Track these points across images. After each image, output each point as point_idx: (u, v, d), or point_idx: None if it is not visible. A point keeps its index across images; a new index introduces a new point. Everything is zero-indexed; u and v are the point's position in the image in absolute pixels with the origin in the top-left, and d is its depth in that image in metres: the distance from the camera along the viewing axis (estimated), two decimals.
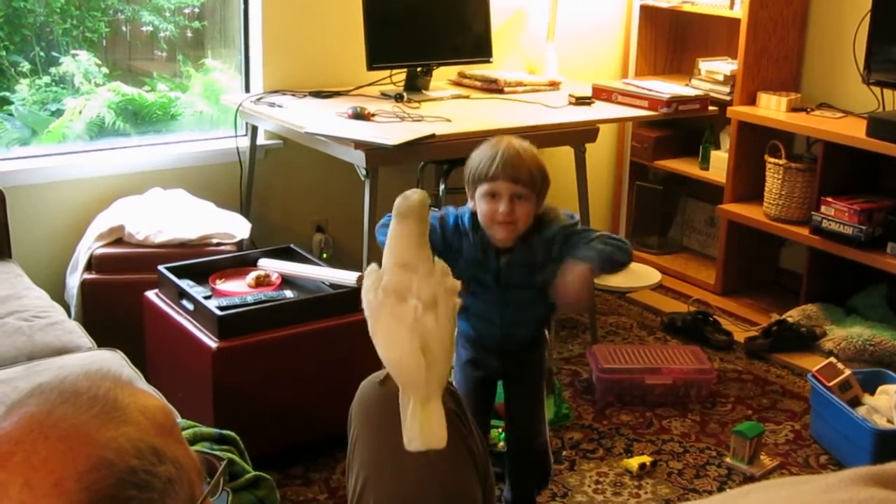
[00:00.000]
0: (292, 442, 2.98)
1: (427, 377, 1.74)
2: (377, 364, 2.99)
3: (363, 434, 1.68)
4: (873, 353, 3.69)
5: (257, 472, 1.98)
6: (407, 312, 1.84)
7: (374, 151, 3.20)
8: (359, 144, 3.21)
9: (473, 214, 2.44)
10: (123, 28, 4.01)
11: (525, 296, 2.46)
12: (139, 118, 3.97)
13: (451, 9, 4.09)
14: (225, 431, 2.07)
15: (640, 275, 4.66)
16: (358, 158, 3.25)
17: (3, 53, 3.70)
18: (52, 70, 3.79)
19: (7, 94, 3.72)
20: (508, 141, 2.43)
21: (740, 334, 4.03)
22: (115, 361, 2.54)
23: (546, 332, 2.68)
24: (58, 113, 3.82)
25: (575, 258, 2.30)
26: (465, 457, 1.71)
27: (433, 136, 3.30)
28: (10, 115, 3.75)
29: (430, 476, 1.64)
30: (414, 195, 1.90)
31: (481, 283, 2.44)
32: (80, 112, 3.83)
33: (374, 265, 1.90)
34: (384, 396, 1.72)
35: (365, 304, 1.84)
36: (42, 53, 3.77)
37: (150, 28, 4.01)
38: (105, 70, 3.88)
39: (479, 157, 2.41)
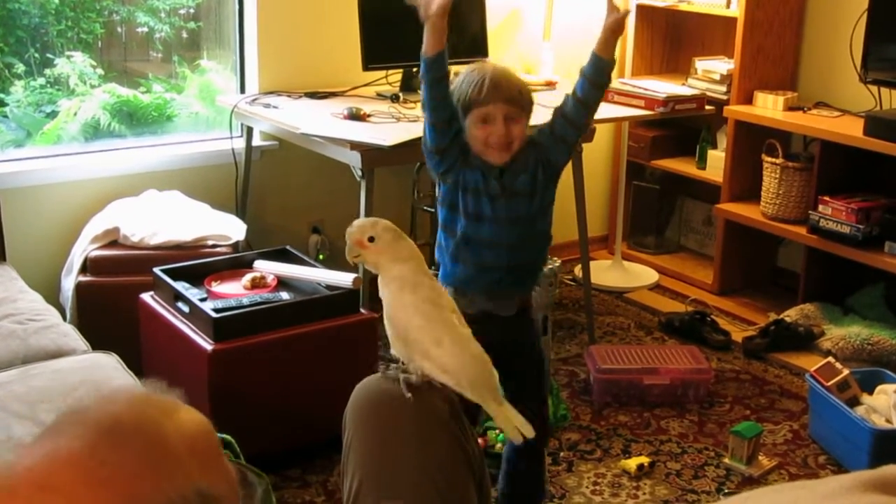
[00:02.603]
0: (289, 444, 2.97)
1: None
2: (372, 366, 3.00)
3: (358, 436, 1.68)
4: (871, 352, 3.69)
5: (255, 469, 1.98)
6: (456, 322, 1.89)
7: (369, 152, 3.20)
8: (355, 145, 3.21)
9: None
10: (118, 29, 4.00)
11: (529, 208, 2.46)
12: (134, 119, 3.96)
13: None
14: (220, 435, 2.05)
15: (637, 275, 4.65)
16: (354, 159, 3.24)
17: None
18: (47, 71, 3.78)
19: (2, 95, 3.72)
20: (491, 64, 2.45)
21: (738, 334, 4.03)
22: (110, 365, 2.53)
23: (533, 293, 2.68)
24: (53, 114, 3.82)
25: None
26: (460, 459, 1.70)
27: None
28: (5, 116, 3.74)
29: (426, 478, 1.63)
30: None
31: (489, 192, 2.43)
32: (75, 113, 3.82)
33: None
34: (380, 399, 1.71)
35: (412, 314, 1.83)
36: (37, 55, 3.76)
37: (146, 29, 4.01)
38: (100, 71, 3.87)
39: (465, 84, 2.41)
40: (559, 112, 2.50)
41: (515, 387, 2.30)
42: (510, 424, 1.88)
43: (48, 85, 3.80)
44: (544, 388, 2.68)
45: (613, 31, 2.50)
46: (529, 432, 1.88)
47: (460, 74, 2.47)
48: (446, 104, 2.42)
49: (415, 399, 1.69)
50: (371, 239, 1.85)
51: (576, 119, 2.48)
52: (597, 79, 2.46)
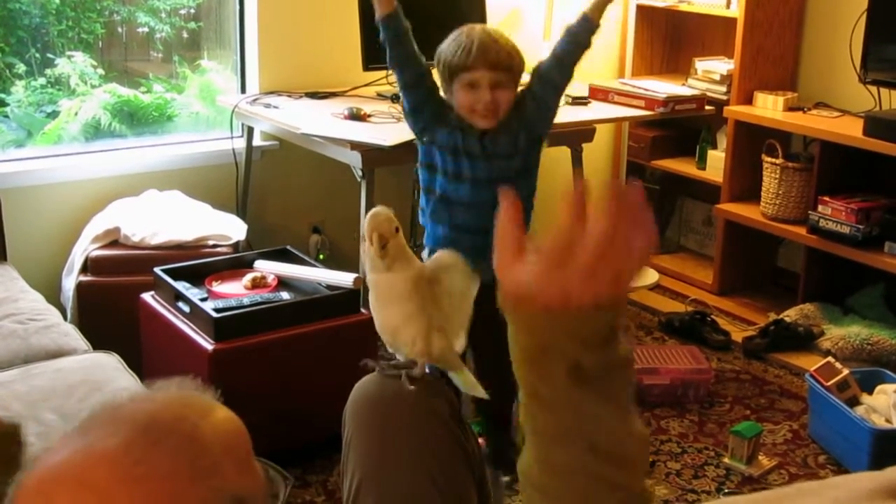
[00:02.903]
0: (289, 444, 2.97)
1: None
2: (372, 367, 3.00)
3: (357, 435, 1.68)
4: (871, 352, 3.69)
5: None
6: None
7: (370, 152, 3.20)
8: (355, 145, 3.21)
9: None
10: (119, 29, 4.01)
11: (513, 165, 2.45)
12: (135, 119, 3.96)
13: (446, 8, 4.07)
14: None
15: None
16: (354, 159, 3.24)
17: None
18: (48, 71, 3.79)
19: (2, 95, 3.72)
20: (480, 27, 2.45)
21: (738, 334, 4.03)
22: (110, 365, 2.54)
23: None
24: (53, 114, 3.82)
25: None
26: (460, 458, 1.70)
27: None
28: (6, 116, 3.74)
29: (426, 477, 1.63)
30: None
31: (467, 152, 2.42)
32: (76, 113, 3.83)
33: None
34: (379, 398, 1.71)
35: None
36: (37, 55, 3.77)
37: (146, 29, 4.01)
38: (101, 71, 3.88)
39: (452, 48, 2.41)
40: (537, 72, 2.49)
41: (490, 357, 2.27)
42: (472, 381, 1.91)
43: (49, 85, 3.81)
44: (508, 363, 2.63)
45: None
46: (482, 394, 1.89)
47: (448, 37, 2.45)
48: (412, 62, 2.43)
49: (415, 398, 1.70)
50: (397, 229, 1.81)
51: (552, 77, 2.47)
52: (579, 36, 2.45)
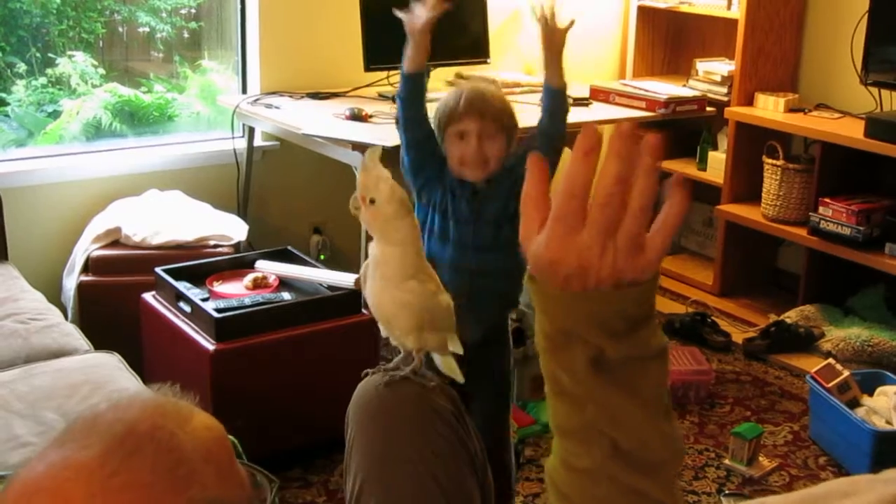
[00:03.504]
0: (290, 444, 2.97)
1: None
2: (374, 365, 3.00)
3: (361, 435, 1.67)
4: (871, 353, 3.69)
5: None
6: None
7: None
8: (356, 146, 3.21)
9: None
10: (120, 29, 4.01)
11: (497, 236, 2.43)
12: (136, 119, 3.96)
13: (448, 12, 4.07)
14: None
15: None
16: (355, 160, 3.24)
17: (0, 55, 3.69)
18: (49, 71, 3.79)
19: (3, 95, 3.72)
20: (473, 83, 2.46)
21: (738, 335, 4.03)
22: (112, 364, 2.54)
23: (509, 334, 2.63)
24: (54, 114, 3.82)
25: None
26: (463, 458, 1.70)
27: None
28: (7, 116, 3.74)
29: (429, 477, 1.63)
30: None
31: (455, 216, 2.41)
32: (77, 113, 3.83)
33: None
34: (383, 398, 1.71)
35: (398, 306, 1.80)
36: (38, 54, 3.77)
37: (147, 29, 4.01)
38: (101, 71, 3.88)
39: (444, 101, 2.41)
40: (528, 147, 2.47)
41: (477, 415, 2.16)
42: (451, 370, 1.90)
43: (50, 84, 3.81)
44: (502, 429, 2.57)
45: (547, 46, 2.43)
46: (460, 378, 1.87)
47: (443, 96, 2.47)
48: (422, 122, 2.43)
49: (417, 398, 1.69)
50: (372, 201, 1.74)
51: (544, 151, 2.41)
52: (552, 110, 2.44)
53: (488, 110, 2.37)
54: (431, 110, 2.48)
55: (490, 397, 2.49)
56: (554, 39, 2.42)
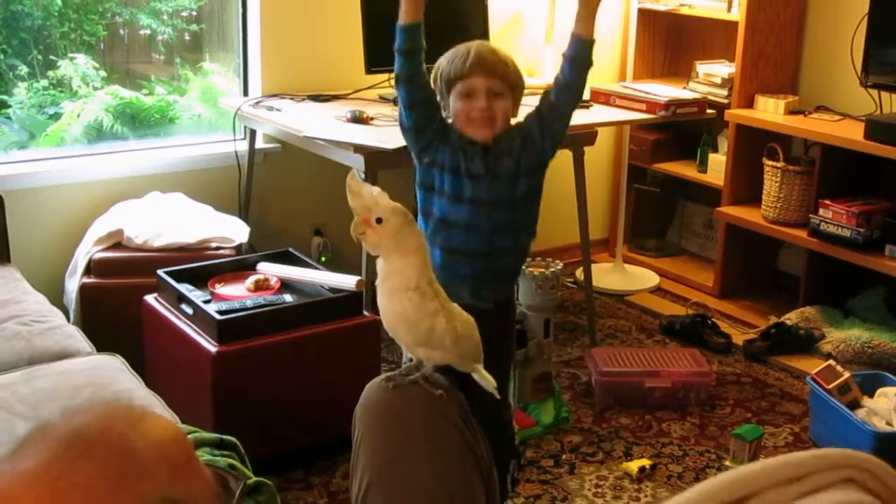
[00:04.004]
0: (292, 446, 2.98)
1: None
2: (375, 367, 3.01)
3: (367, 438, 1.68)
4: (872, 355, 3.70)
5: (258, 478, 1.98)
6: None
7: (373, 155, 3.20)
8: (358, 148, 3.21)
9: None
10: (121, 31, 4.01)
11: (513, 192, 2.42)
12: (137, 121, 3.96)
13: (449, 12, 4.08)
14: (226, 437, 2.06)
15: (638, 278, 4.67)
16: (357, 162, 3.24)
17: (1, 57, 3.70)
18: (50, 73, 3.79)
19: (5, 97, 3.72)
20: (479, 41, 2.42)
21: (739, 337, 4.03)
22: (114, 366, 2.54)
23: (514, 305, 2.65)
24: (56, 116, 3.82)
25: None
26: (470, 461, 1.71)
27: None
28: (8, 118, 3.75)
29: (435, 480, 1.64)
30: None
31: (470, 172, 2.39)
32: (78, 115, 3.83)
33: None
34: (390, 400, 1.72)
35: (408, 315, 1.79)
36: (40, 57, 3.77)
37: (148, 31, 4.01)
38: (103, 73, 3.88)
39: (450, 58, 2.39)
40: (545, 98, 2.46)
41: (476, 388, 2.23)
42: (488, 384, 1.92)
43: (51, 87, 3.81)
44: (504, 387, 2.58)
45: (592, 4, 2.44)
46: (493, 390, 1.89)
47: (446, 54, 2.43)
48: (420, 80, 2.39)
49: (424, 400, 1.70)
50: (379, 220, 1.75)
51: (561, 104, 2.44)
52: (577, 60, 2.41)
53: (496, 67, 2.34)
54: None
55: (491, 368, 2.50)
56: None
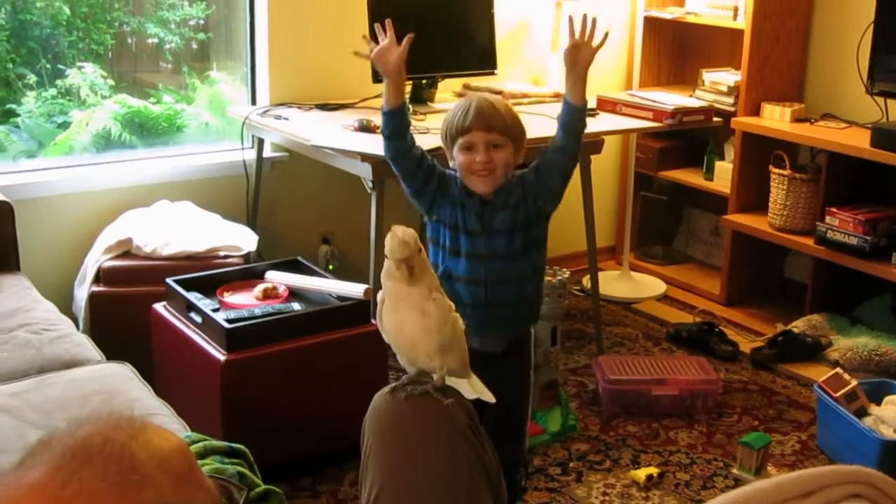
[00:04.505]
0: (300, 454, 2.99)
1: None
2: (383, 375, 3.01)
3: (377, 446, 1.69)
4: (879, 363, 3.70)
5: (267, 486, 1.99)
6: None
7: (380, 164, 3.20)
8: (365, 157, 3.22)
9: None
10: (129, 40, 4.03)
11: (510, 246, 2.46)
12: (145, 130, 3.98)
13: (455, 21, 4.10)
14: (235, 445, 2.07)
15: (645, 285, 4.67)
16: (364, 171, 3.26)
17: (10, 66, 3.71)
18: (59, 82, 3.81)
19: (14, 106, 3.74)
20: (480, 94, 2.49)
21: (746, 345, 4.04)
22: (124, 375, 2.55)
23: (531, 348, 2.66)
24: (64, 125, 3.84)
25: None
26: (477, 469, 1.72)
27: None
28: (17, 127, 3.76)
29: (443, 487, 1.65)
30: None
31: (466, 229, 2.45)
32: (87, 124, 3.84)
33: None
34: (400, 409, 1.73)
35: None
36: (48, 66, 3.79)
37: (156, 40, 4.03)
38: (111, 82, 3.89)
39: (452, 113, 2.46)
40: (543, 156, 2.52)
41: (492, 427, 2.15)
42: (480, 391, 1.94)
43: (59, 95, 3.82)
44: (521, 433, 2.64)
45: (572, 64, 2.47)
46: (490, 398, 1.91)
47: (451, 107, 2.51)
48: (410, 151, 2.47)
49: (433, 409, 1.71)
50: (420, 250, 1.82)
51: (557, 165, 2.50)
52: (569, 126, 2.47)
53: (496, 123, 2.41)
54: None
55: (504, 408, 2.51)
56: (582, 55, 2.47)
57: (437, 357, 1.80)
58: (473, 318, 2.41)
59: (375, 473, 1.67)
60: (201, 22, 4.08)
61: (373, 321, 3.03)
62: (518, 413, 2.60)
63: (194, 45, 4.10)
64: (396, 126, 2.46)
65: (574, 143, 2.47)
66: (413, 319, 1.80)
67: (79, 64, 3.84)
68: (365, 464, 1.71)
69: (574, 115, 2.46)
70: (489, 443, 1.83)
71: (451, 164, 2.51)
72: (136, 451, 0.88)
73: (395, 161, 2.50)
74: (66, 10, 3.78)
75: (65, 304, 3.32)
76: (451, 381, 1.88)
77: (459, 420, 1.72)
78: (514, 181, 2.48)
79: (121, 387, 2.47)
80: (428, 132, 3.49)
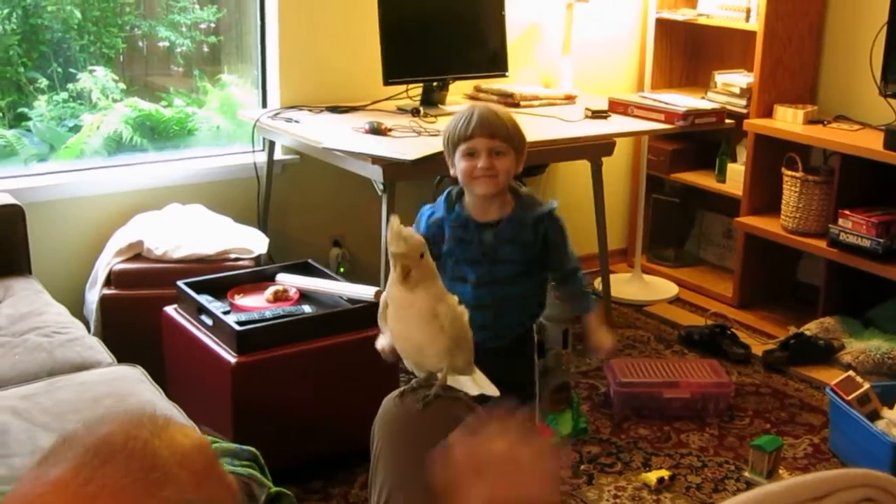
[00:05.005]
0: (311, 456, 2.99)
1: None
2: (394, 378, 3.01)
3: (387, 448, 1.69)
4: (892, 366, 3.68)
5: (279, 488, 1.99)
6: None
7: (391, 166, 3.21)
8: (376, 160, 3.22)
9: (448, 195, 2.55)
10: (140, 44, 4.04)
11: (514, 272, 2.53)
12: (156, 133, 3.99)
13: (466, 23, 4.10)
14: (246, 447, 2.07)
15: (656, 288, 4.65)
16: (375, 173, 3.26)
17: (21, 70, 3.72)
18: (70, 86, 3.82)
19: (25, 109, 3.75)
20: (482, 103, 2.56)
21: (758, 347, 4.02)
22: (135, 377, 2.55)
23: (534, 337, 2.69)
24: (75, 129, 3.85)
25: (585, 311, 2.65)
26: None
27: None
28: (29, 130, 3.77)
29: None
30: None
31: (469, 260, 2.51)
32: (98, 128, 3.85)
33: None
34: (407, 412, 1.73)
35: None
36: (59, 69, 3.80)
37: (167, 43, 4.04)
38: (122, 85, 3.90)
39: (454, 121, 2.51)
40: (561, 273, 2.67)
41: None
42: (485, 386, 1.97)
43: (71, 99, 3.84)
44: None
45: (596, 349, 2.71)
46: (495, 391, 1.94)
47: (452, 116, 2.57)
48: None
49: (443, 411, 1.71)
50: (422, 255, 1.83)
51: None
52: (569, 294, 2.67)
53: (499, 131, 2.46)
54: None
55: (514, 395, 2.52)
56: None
57: (445, 358, 1.80)
58: (480, 335, 2.45)
59: (385, 476, 1.67)
60: (212, 25, 4.09)
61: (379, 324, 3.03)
62: (526, 399, 2.63)
63: (205, 49, 4.11)
64: None
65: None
66: (421, 327, 1.80)
67: (90, 67, 3.85)
68: (375, 466, 1.71)
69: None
70: None
71: (451, 171, 2.56)
72: (158, 447, 0.89)
73: None
74: (78, 14, 3.79)
75: (76, 308, 3.33)
76: (456, 379, 1.88)
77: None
78: (525, 219, 2.53)
79: (132, 389, 2.47)
80: (439, 134, 3.49)
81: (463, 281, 2.51)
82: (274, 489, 1.98)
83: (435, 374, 1.85)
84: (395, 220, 1.79)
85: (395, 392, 1.77)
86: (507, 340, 2.57)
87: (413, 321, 1.80)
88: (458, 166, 2.49)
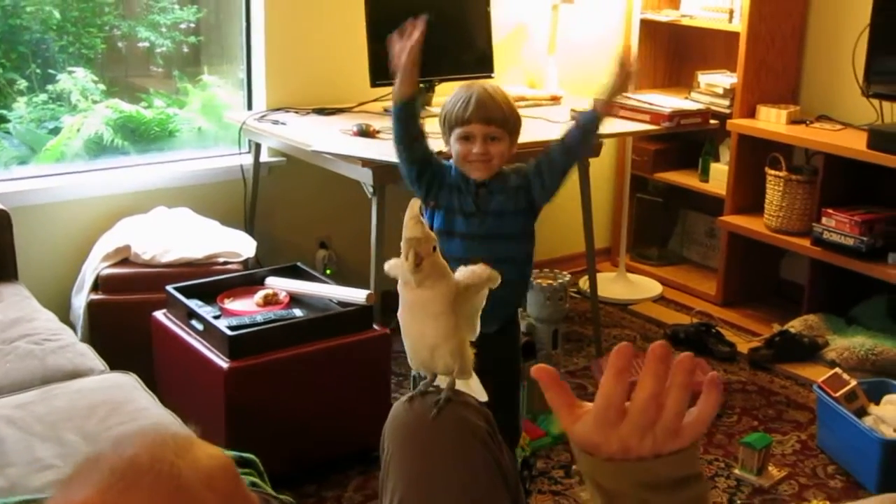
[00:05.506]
0: (304, 460, 2.97)
1: None
2: (387, 380, 3.00)
3: (398, 454, 1.68)
4: (875, 362, 3.71)
5: (278, 495, 1.98)
6: None
7: (381, 169, 3.20)
8: (366, 162, 3.21)
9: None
10: (119, 44, 3.99)
11: (505, 226, 2.56)
12: (137, 135, 3.95)
13: (453, 24, 4.09)
14: (245, 454, 2.06)
15: (641, 287, 4.67)
16: (365, 176, 3.24)
17: (0, 71, 3.67)
18: (49, 87, 3.77)
19: (4, 111, 3.70)
20: (480, 84, 2.56)
21: (743, 345, 4.04)
22: (129, 384, 2.52)
23: (518, 324, 2.78)
24: (55, 130, 3.80)
25: (593, 112, 2.58)
26: (496, 474, 1.71)
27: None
28: (8, 133, 3.72)
29: (465, 495, 1.64)
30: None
31: (462, 210, 2.55)
32: (79, 129, 3.81)
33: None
34: (417, 417, 1.72)
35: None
36: (38, 70, 3.75)
37: (147, 44, 4.00)
38: (102, 87, 3.86)
39: (452, 102, 2.54)
40: (546, 154, 2.60)
41: (492, 400, 2.25)
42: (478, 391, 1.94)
43: (50, 101, 3.79)
44: (516, 402, 2.80)
45: (621, 89, 2.59)
46: (483, 396, 1.93)
47: (451, 94, 2.59)
48: (420, 141, 2.56)
49: (453, 416, 1.70)
50: (434, 248, 1.78)
51: (560, 164, 2.58)
52: (587, 129, 2.58)
53: (495, 115, 2.49)
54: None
55: (498, 385, 2.53)
56: (625, 82, 2.60)
57: (458, 359, 1.79)
58: None
59: (396, 482, 1.66)
60: (192, 25, 4.05)
61: (375, 326, 3.03)
62: (512, 386, 2.74)
63: (185, 49, 4.07)
64: (406, 116, 2.54)
65: (586, 147, 2.62)
66: (436, 327, 1.78)
67: (69, 69, 3.80)
68: (385, 472, 1.70)
69: (597, 124, 2.57)
70: (507, 447, 1.83)
71: (446, 149, 2.60)
72: (183, 469, 0.88)
73: (406, 147, 2.57)
74: (57, 15, 3.75)
75: (62, 313, 3.29)
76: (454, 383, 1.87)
77: (478, 426, 1.72)
78: (510, 173, 2.58)
79: (127, 397, 2.45)
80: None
81: (451, 235, 2.55)
82: (274, 495, 1.97)
83: (440, 376, 1.84)
84: (415, 202, 1.76)
85: (404, 397, 1.76)
86: (499, 322, 2.60)
87: (430, 320, 1.78)
88: (454, 147, 2.53)
